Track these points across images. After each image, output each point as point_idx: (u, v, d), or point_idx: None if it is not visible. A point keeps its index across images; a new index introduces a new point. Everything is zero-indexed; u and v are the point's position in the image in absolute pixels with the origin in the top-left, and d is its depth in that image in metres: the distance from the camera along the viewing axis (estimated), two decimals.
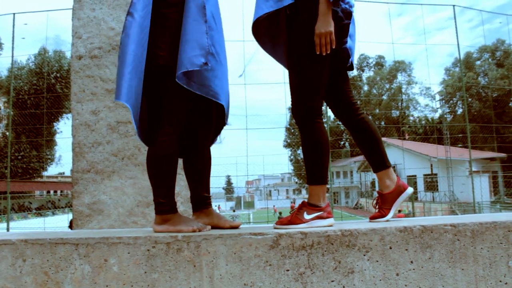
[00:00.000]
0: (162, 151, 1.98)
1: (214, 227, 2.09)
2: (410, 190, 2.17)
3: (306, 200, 2.07)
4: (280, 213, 34.64)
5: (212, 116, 2.25)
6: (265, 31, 2.20)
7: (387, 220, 2.06)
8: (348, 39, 2.11)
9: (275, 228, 1.91)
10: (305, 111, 2.04)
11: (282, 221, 1.98)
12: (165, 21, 2.03)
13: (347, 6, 2.05)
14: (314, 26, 1.97)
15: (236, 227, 2.05)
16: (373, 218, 2.12)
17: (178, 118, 2.02)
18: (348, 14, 2.06)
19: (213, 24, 2.03)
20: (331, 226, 1.91)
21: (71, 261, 1.73)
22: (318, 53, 1.97)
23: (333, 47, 1.97)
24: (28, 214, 31.37)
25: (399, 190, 2.15)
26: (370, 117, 2.01)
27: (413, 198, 21.40)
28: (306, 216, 1.98)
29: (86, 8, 3.18)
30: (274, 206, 40.32)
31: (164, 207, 1.99)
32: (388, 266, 1.71)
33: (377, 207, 2.16)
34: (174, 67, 1.95)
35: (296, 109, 2.07)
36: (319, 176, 2.06)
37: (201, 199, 2.22)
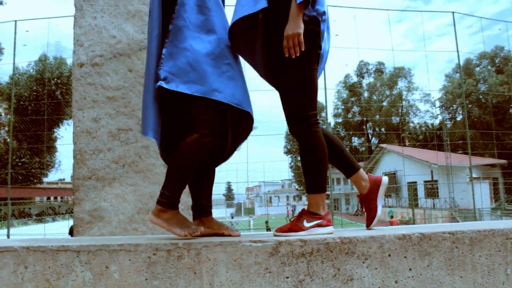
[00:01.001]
0: (194, 146, 1.97)
1: (214, 235, 2.10)
2: (385, 180, 2.19)
3: (305, 208, 2.08)
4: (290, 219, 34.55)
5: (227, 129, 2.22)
6: (242, 37, 2.17)
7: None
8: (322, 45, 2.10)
9: (275, 235, 1.93)
10: (300, 121, 2.05)
11: (282, 229, 1.99)
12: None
13: (314, 13, 2.02)
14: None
15: (236, 236, 2.05)
16: (368, 224, 2.14)
17: (214, 121, 2.02)
18: (316, 21, 2.04)
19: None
20: (330, 233, 1.93)
21: (72, 268, 1.75)
22: (287, 55, 1.96)
23: (302, 49, 1.94)
24: (28, 220, 31.32)
25: (376, 185, 2.18)
26: (328, 129, 2.04)
27: (413, 204, 21.35)
28: (306, 224, 1.99)
29: (88, 16, 3.21)
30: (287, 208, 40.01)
31: (167, 199, 1.98)
32: (387, 274, 1.72)
33: (363, 210, 2.18)
34: None
35: (291, 120, 2.07)
36: (318, 184, 2.07)
37: (202, 207, 2.23)
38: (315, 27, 2.03)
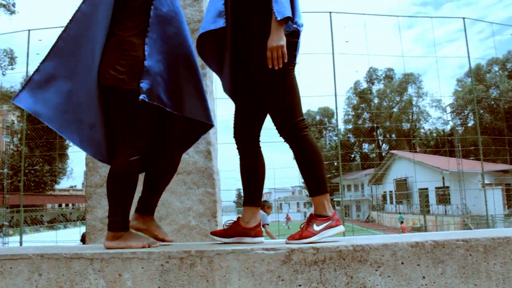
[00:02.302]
0: (122, 171, 2.01)
1: (147, 233, 2.19)
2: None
3: (313, 213, 2.08)
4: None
5: (177, 131, 2.29)
6: (211, 52, 2.25)
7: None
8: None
9: (287, 243, 1.93)
10: (291, 128, 2.07)
11: (294, 236, 1.99)
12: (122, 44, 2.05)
13: (295, 26, 2.09)
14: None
15: (169, 241, 2.15)
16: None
17: (138, 138, 2.04)
18: (296, 33, 2.10)
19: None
20: (342, 232, 1.95)
21: (86, 276, 1.76)
22: (270, 67, 2.00)
23: (285, 60, 1.99)
24: (40, 227, 31.54)
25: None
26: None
27: (425, 211, 21.21)
28: (316, 228, 1.99)
29: None
30: (287, 215, 39.90)
31: (118, 224, 2.01)
32: (400, 282, 1.71)
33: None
34: (132, 88, 1.99)
35: (282, 128, 2.10)
36: (319, 186, 2.08)
37: (148, 205, 2.27)
38: (294, 39, 2.10)
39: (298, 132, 2.07)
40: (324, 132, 56.02)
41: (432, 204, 31.15)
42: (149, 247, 1.95)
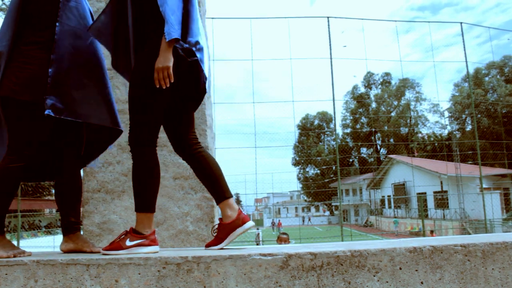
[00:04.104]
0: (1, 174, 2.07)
1: (78, 251, 2.20)
2: (249, 224, 2.18)
3: (133, 227, 2.12)
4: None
5: (76, 142, 2.38)
6: (123, 65, 2.38)
7: (221, 248, 2.07)
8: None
9: (102, 254, 1.99)
10: (135, 139, 2.13)
11: (107, 246, 2.04)
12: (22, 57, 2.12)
13: (187, 45, 2.14)
14: (154, 61, 2.06)
15: (96, 252, 2.14)
16: (208, 245, 2.15)
17: (26, 146, 2.10)
18: (191, 53, 2.14)
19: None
20: (154, 253, 1.98)
21: (82, 282, 1.75)
22: (157, 86, 2.05)
23: (171, 81, 2.05)
24: (37, 232, 31.42)
25: (237, 224, 2.16)
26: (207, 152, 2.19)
27: (423, 215, 21.19)
28: (128, 243, 2.03)
29: None
30: (279, 220, 39.81)
31: None
32: (398, 287, 1.70)
33: (214, 234, 2.18)
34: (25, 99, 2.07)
35: (129, 137, 2.15)
36: (144, 204, 2.12)
37: (68, 224, 2.30)
38: (192, 57, 2.15)
39: (139, 145, 2.14)
40: (323, 136, 56.08)
41: (430, 209, 31.15)
42: (14, 256, 1.93)
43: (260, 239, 22.65)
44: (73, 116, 2.15)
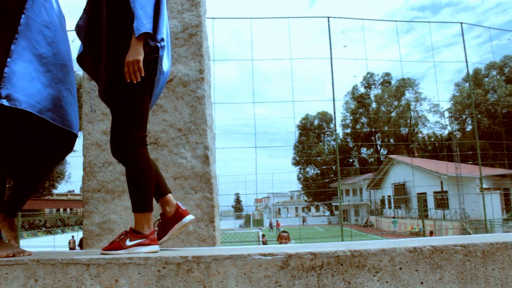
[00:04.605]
0: None
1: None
2: (187, 219, 2.20)
3: (132, 227, 2.12)
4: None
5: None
6: (89, 65, 2.38)
7: (161, 243, 2.11)
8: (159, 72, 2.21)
9: (101, 253, 1.97)
10: (126, 141, 2.11)
11: (107, 247, 2.04)
12: None
13: (153, 43, 2.13)
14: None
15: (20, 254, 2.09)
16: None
17: None
18: (155, 50, 2.14)
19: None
20: (154, 252, 1.99)
21: (82, 281, 1.75)
22: (128, 81, 2.04)
23: (142, 75, 2.04)
24: (38, 231, 31.44)
25: (176, 218, 2.20)
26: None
27: (424, 216, 21.20)
28: (128, 243, 2.03)
29: None
30: (277, 221, 39.81)
31: None
32: (398, 287, 1.70)
33: (156, 228, 2.20)
34: None
35: (117, 140, 2.13)
36: (142, 204, 2.12)
37: (9, 205, 2.31)
38: (154, 55, 2.14)
39: (131, 147, 2.11)
40: (323, 136, 56.08)
41: (431, 209, 31.15)
42: (13, 256, 1.93)
43: (264, 238, 22.62)
44: (31, 109, 2.04)
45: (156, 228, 2.23)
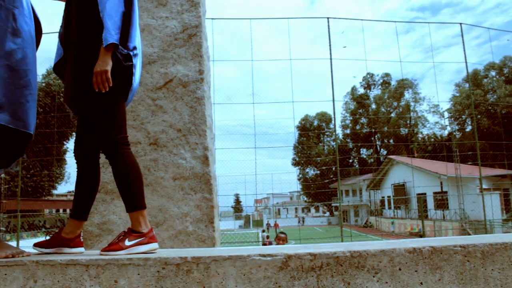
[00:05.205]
0: None
1: None
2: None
3: (130, 227, 2.13)
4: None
5: None
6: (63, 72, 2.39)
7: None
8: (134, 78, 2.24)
9: (100, 254, 1.96)
10: (108, 144, 2.14)
11: (106, 248, 2.04)
12: None
13: (126, 51, 2.16)
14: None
15: None
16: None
17: None
18: (128, 58, 2.17)
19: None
20: (153, 250, 2.02)
21: (81, 282, 1.74)
22: (96, 90, 2.07)
23: (110, 85, 2.07)
24: (37, 232, 31.42)
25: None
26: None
27: (423, 216, 21.21)
28: (127, 243, 2.04)
29: None
30: (275, 221, 39.77)
31: None
32: None
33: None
34: None
35: (103, 144, 2.16)
36: (135, 202, 2.14)
37: None
38: (128, 63, 2.18)
39: (114, 149, 2.14)
40: (322, 137, 56.08)
41: (430, 209, 31.15)
42: (13, 256, 1.92)
43: (269, 239, 22.50)
44: None
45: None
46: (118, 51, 2.12)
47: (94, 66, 2.07)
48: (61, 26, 2.32)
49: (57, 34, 2.36)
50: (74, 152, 2.27)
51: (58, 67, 2.37)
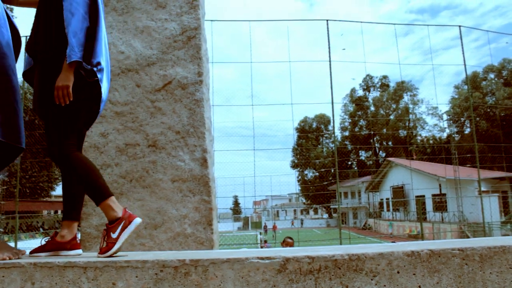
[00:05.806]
0: None
1: None
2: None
3: (107, 222, 2.15)
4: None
5: None
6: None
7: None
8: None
9: (98, 257, 1.98)
10: (58, 151, 2.18)
11: (100, 252, 2.05)
12: None
13: (89, 67, 2.19)
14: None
15: None
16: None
17: None
18: (92, 74, 2.21)
19: None
20: (140, 223, 2.13)
21: (79, 285, 1.74)
22: (57, 103, 2.13)
23: (70, 99, 2.12)
24: (35, 233, 31.37)
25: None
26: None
27: (422, 218, 21.20)
28: (113, 235, 2.07)
29: None
30: (274, 223, 39.77)
31: None
32: None
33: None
34: None
35: (52, 151, 2.20)
36: (99, 194, 2.17)
37: None
38: (93, 78, 2.23)
39: (64, 153, 2.18)
40: (321, 139, 56.11)
41: (429, 211, 31.16)
42: (9, 259, 1.92)
43: (267, 244, 22.48)
44: None
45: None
46: (82, 67, 2.16)
47: (56, 80, 2.11)
48: (29, 36, 2.34)
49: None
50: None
51: (28, 74, 2.42)
